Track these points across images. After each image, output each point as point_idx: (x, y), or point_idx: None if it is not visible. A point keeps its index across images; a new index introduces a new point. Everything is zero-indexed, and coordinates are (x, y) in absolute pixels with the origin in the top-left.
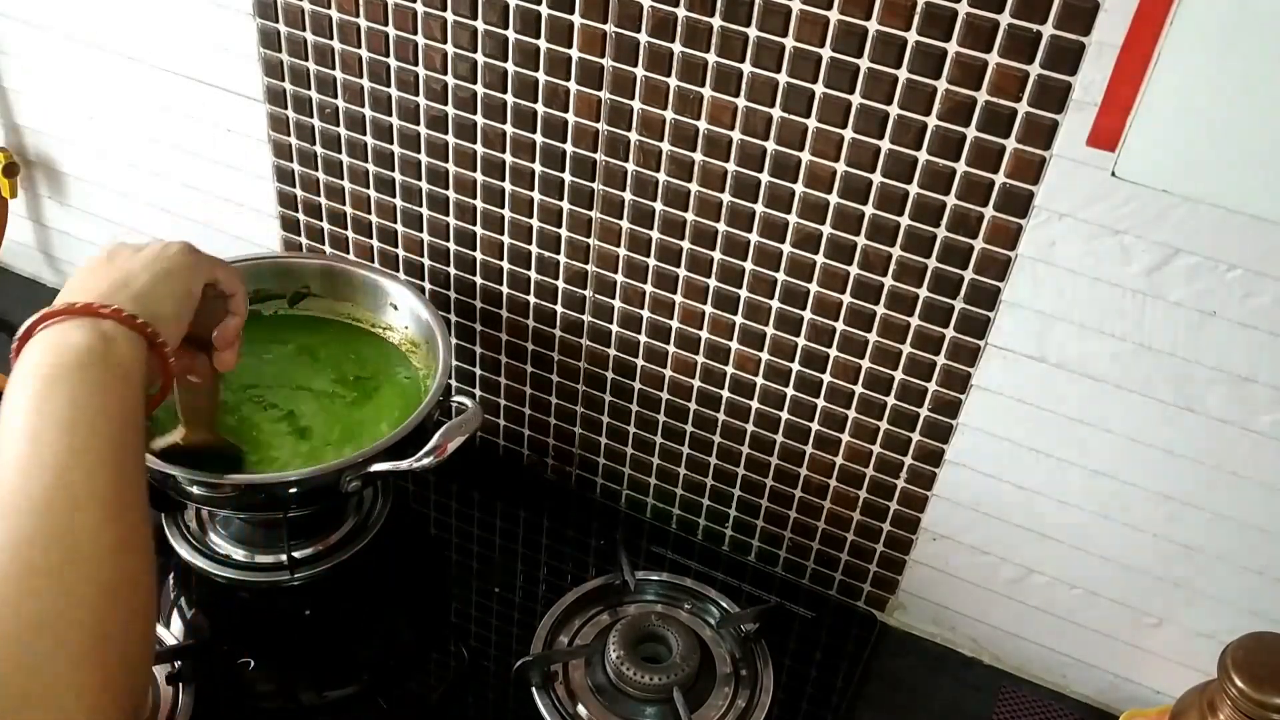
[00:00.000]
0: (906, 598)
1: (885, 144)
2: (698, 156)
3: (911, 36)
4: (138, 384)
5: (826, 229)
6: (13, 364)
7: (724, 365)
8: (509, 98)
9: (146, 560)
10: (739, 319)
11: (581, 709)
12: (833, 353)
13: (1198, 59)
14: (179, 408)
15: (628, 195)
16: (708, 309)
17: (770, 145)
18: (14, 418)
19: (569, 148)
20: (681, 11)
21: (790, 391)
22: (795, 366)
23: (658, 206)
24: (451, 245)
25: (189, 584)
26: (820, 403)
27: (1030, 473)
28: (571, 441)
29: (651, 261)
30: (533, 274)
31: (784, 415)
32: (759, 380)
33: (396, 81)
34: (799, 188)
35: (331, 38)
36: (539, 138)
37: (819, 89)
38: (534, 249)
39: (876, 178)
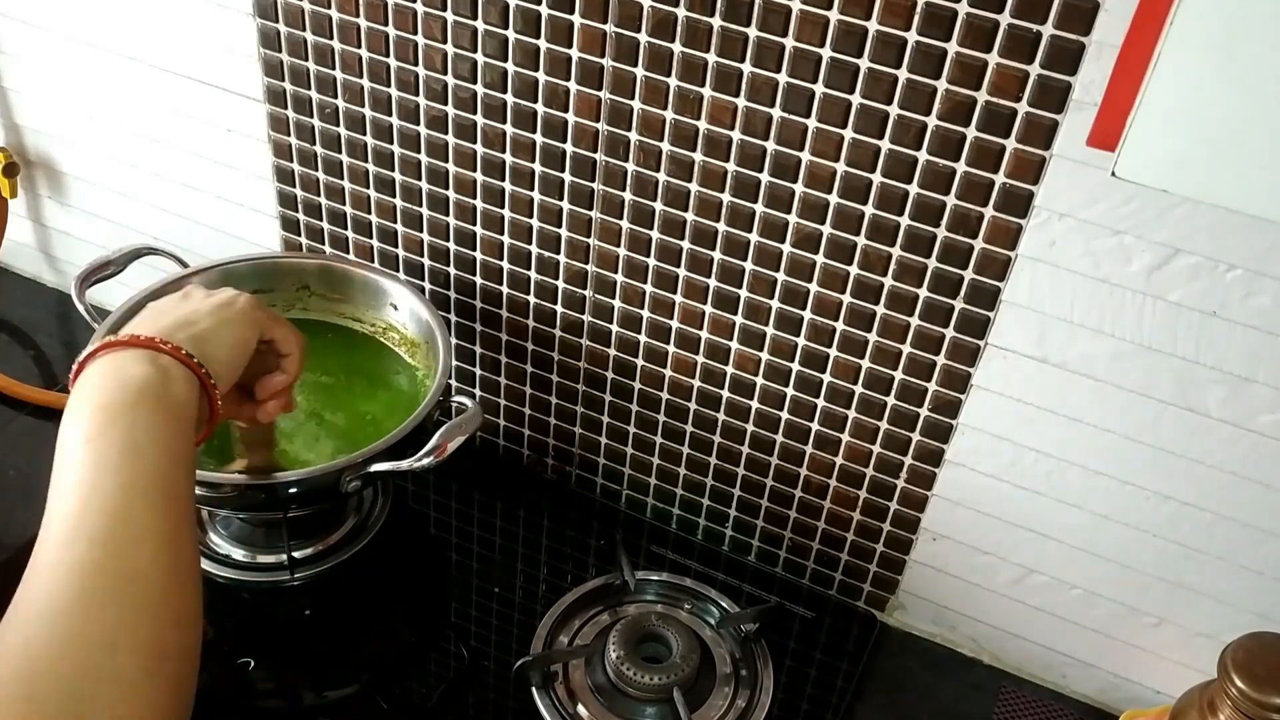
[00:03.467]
0: (906, 598)
1: (885, 144)
2: (698, 156)
3: (911, 36)
4: (190, 422)
5: (826, 229)
6: (71, 386)
7: (724, 365)
8: (509, 98)
9: (197, 590)
10: (739, 319)
11: (581, 709)
12: (833, 353)
13: (1198, 59)
14: (239, 442)
15: (628, 195)
16: (708, 309)
17: (770, 145)
18: (74, 450)
19: (569, 148)
20: (681, 11)
21: (790, 391)
22: (795, 366)
23: (658, 206)
24: (451, 245)
25: None
26: (820, 403)
27: (1030, 473)
28: (571, 441)
29: (651, 261)
30: (533, 274)
31: (784, 415)
32: (759, 380)
33: (396, 81)
34: (799, 188)
35: (331, 38)
36: (539, 138)
37: (819, 89)
38: (534, 249)
39: (876, 178)
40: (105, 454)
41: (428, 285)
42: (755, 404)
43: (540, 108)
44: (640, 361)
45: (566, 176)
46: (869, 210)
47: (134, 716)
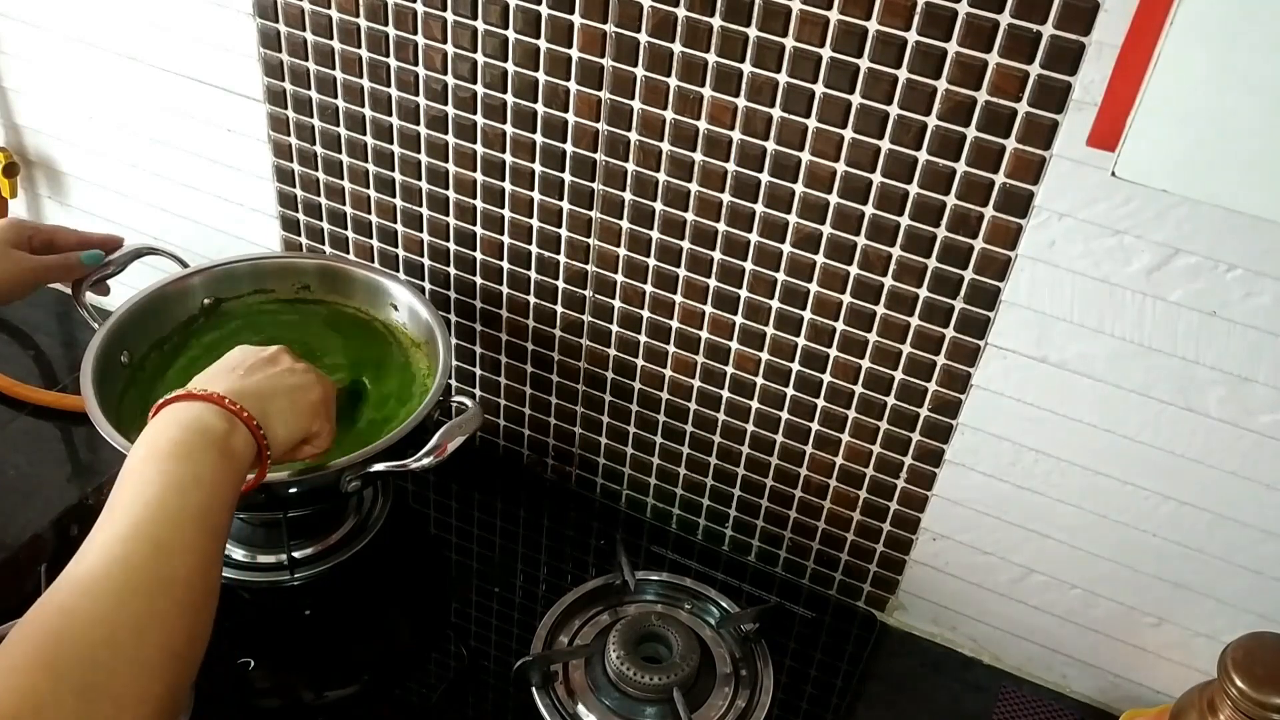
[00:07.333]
0: (906, 598)
1: (885, 144)
2: (698, 156)
3: (911, 36)
4: (243, 473)
5: (826, 229)
6: (150, 419)
7: (724, 365)
8: (509, 98)
9: (213, 613)
10: (739, 319)
11: (581, 709)
12: (833, 353)
13: (1198, 59)
14: None
15: (628, 195)
16: (708, 309)
17: (770, 145)
18: (147, 467)
19: (569, 148)
20: (681, 11)
21: (790, 391)
22: (795, 366)
23: (658, 206)
24: (451, 245)
25: None
26: (820, 403)
27: (1030, 473)
28: (571, 441)
29: (651, 261)
30: (533, 274)
31: (784, 415)
32: (759, 380)
33: (396, 81)
34: (799, 188)
35: (331, 38)
36: (539, 138)
37: (819, 89)
38: (534, 249)
39: (876, 178)
40: (173, 477)
41: (428, 285)
42: (755, 404)
43: (540, 108)
44: (640, 361)
45: (566, 176)
46: (869, 210)
47: (139, 697)
